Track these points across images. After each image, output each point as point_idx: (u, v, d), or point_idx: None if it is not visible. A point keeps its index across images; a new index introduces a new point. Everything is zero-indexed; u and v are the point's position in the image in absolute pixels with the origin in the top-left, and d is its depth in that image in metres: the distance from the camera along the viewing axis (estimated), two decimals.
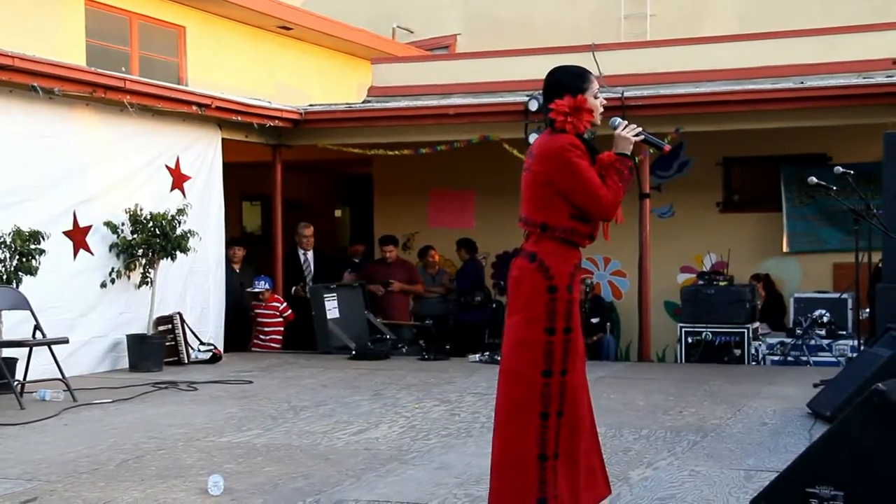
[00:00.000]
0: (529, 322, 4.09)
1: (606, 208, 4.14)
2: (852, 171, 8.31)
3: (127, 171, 9.96)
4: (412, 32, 19.14)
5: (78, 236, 9.35)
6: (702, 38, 13.81)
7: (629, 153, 4.24)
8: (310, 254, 12.23)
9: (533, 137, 10.71)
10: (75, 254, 9.33)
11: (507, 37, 17.02)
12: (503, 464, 4.10)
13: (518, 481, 4.04)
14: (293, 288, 11.83)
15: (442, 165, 13.07)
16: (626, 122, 4.31)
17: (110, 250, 9.63)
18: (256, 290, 11.40)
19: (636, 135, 4.29)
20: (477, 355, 10.58)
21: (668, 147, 4.69)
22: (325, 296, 11.31)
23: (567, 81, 4.25)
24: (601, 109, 4.29)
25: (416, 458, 5.82)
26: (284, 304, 11.61)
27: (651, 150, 4.58)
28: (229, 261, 11.62)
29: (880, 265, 9.01)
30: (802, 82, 10.75)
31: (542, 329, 4.07)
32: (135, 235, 9.63)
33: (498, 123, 11.46)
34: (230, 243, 11.83)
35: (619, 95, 10.81)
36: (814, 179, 8.43)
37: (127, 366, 9.63)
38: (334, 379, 9.13)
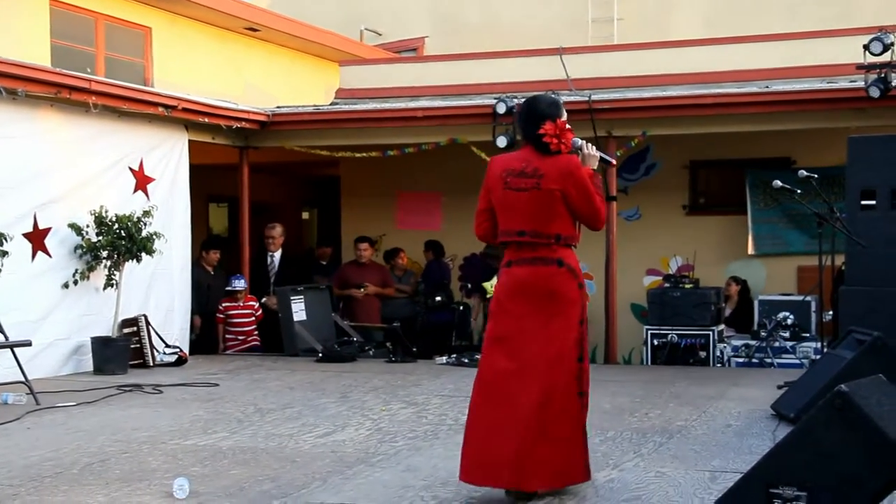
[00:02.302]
0: (567, 318, 4.83)
1: (603, 221, 5.00)
2: (816, 175, 8.39)
3: (91, 172, 9.87)
4: (380, 35, 19.13)
5: (37, 239, 9.25)
6: (668, 41, 13.90)
7: (595, 168, 5.01)
8: (277, 255, 12.18)
9: (501, 141, 10.76)
10: (33, 256, 9.22)
11: (476, 40, 17.05)
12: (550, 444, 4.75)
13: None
14: (263, 298, 11.73)
15: (409, 168, 13.07)
16: (585, 142, 5.01)
17: (74, 251, 9.54)
18: (237, 288, 11.34)
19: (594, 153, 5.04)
20: (444, 357, 10.58)
21: (614, 162, 5.53)
22: (292, 298, 11.27)
23: (545, 110, 4.94)
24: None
25: (383, 460, 5.81)
26: (257, 303, 11.57)
27: (603, 166, 5.35)
28: (203, 263, 11.58)
29: (843, 268, 9.10)
30: (767, 87, 10.84)
31: (577, 321, 4.86)
32: (100, 237, 9.55)
33: (466, 126, 11.47)
34: (206, 246, 11.80)
35: (587, 99, 10.85)
36: (778, 183, 8.50)
37: (91, 368, 9.54)
38: (301, 381, 9.10)
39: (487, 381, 4.90)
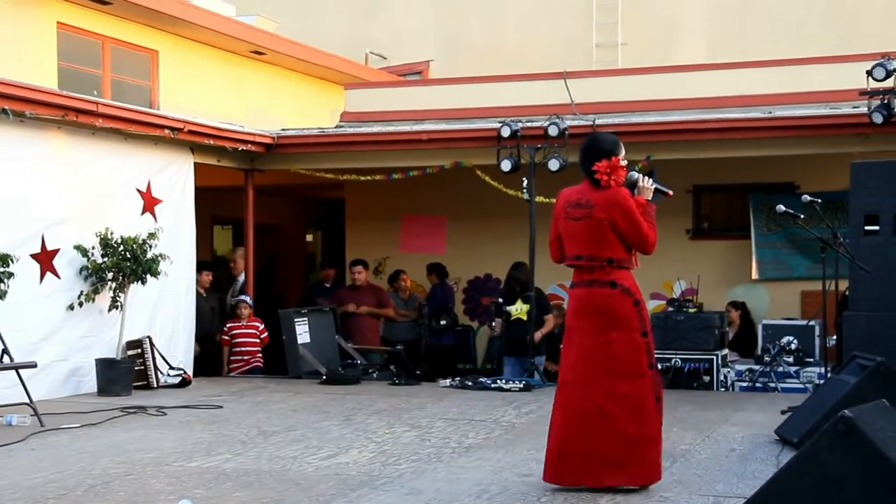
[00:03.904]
0: (628, 332, 5.40)
1: (651, 245, 5.54)
2: (819, 200, 8.41)
3: (98, 194, 9.91)
4: (385, 58, 19.23)
5: (45, 259, 9.28)
6: (672, 66, 13.97)
7: (650, 198, 5.60)
8: (240, 278, 12.13)
9: (505, 164, 10.81)
10: (42, 277, 9.24)
11: (480, 63, 17.14)
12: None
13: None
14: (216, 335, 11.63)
15: (414, 191, 13.10)
16: (642, 175, 5.66)
17: (79, 273, 9.56)
18: (242, 298, 11.36)
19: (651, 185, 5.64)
20: (448, 380, 10.57)
21: (670, 193, 5.92)
22: (296, 320, 11.28)
23: (602, 147, 5.54)
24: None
25: (387, 483, 5.81)
26: (262, 325, 11.57)
27: (661, 197, 5.73)
28: (196, 286, 11.59)
29: (847, 293, 9.11)
30: (771, 112, 10.88)
31: (640, 334, 5.43)
32: (105, 259, 9.58)
33: (470, 149, 11.52)
34: (198, 268, 11.76)
35: (591, 123, 10.90)
36: (782, 208, 8.52)
37: (94, 390, 9.54)
38: (304, 404, 9.10)
39: (561, 390, 5.54)
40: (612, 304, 5.44)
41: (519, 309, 10.80)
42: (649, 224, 5.51)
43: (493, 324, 11.29)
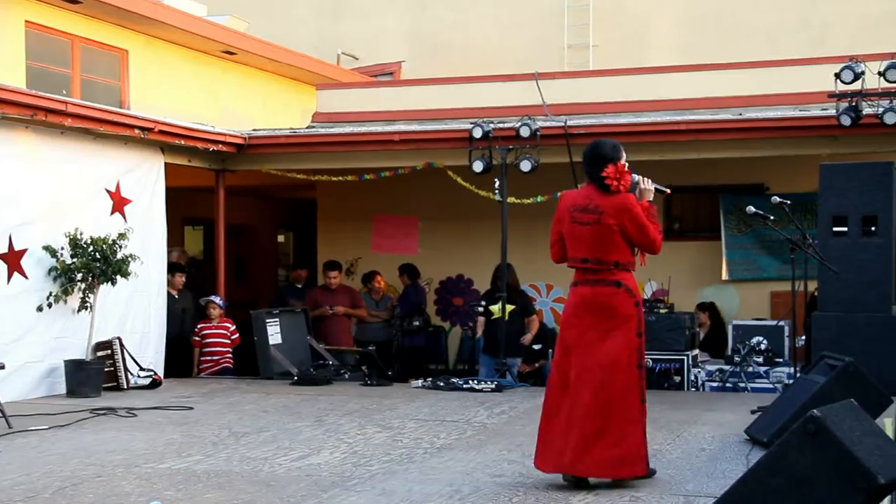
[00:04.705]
0: (626, 331, 5.61)
1: (659, 246, 5.75)
2: (789, 201, 8.47)
3: (67, 194, 9.83)
4: (357, 59, 19.20)
5: (12, 260, 9.19)
6: (644, 68, 14.03)
7: (651, 199, 5.80)
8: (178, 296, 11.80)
9: (477, 165, 10.81)
10: (9, 277, 9.16)
11: (452, 64, 17.15)
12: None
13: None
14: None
15: (386, 191, 13.09)
16: (641, 176, 5.80)
17: (48, 274, 9.48)
18: (217, 301, 11.32)
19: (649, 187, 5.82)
20: (419, 381, 10.57)
21: (668, 191, 6.10)
22: (268, 321, 11.24)
23: (607, 153, 5.72)
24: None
25: (358, 484, 5.80)
26: (234, 326, 11.51)
27: (659, 196, 6.05)
28: (168, 288, 11.51)
29: (816, 294, 9.19)
30: (741, 114, 10.95)
31: (635, 334, 5.63)
32: (74, 259, 9.51)
33: (442, 150, 11.52)
34: (171, 270, 11.68)
35: (563, 124, 10.93)
36: (752, 209, 8.57)
37: (64, 391, 9.47)
38: (276, 405, 9.07)
39: (554, 382, 5.74)
40: (615, 303, 5.65)
41: (500, 309, 10.86)
42: (655, 226, 5.73)
43: (472, 324, 11.31)
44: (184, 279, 11.76)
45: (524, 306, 11.04)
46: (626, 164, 5.72)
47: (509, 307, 10.76)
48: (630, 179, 5.71)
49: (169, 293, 11.30)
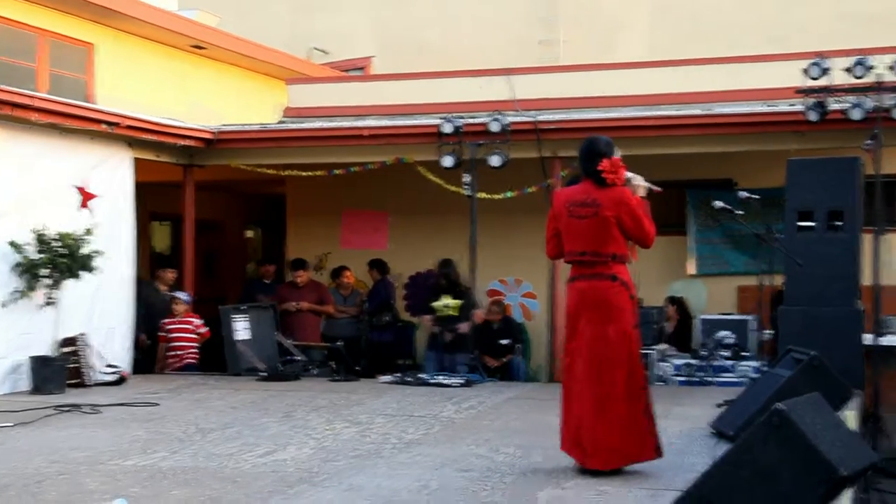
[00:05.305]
0: (623, 324, 5.78)
1: (652, 239, 5.90)
2: (756, 196, 8.52)
3: (34, 189, 9.74)
4: (327, 53, 19.15)
5: None
6: (613, 63, 14.05)
7: (644, 196, 5.94)
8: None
9: (447, 160, 10.80)
10: None
11: (422, 60, 17.14)
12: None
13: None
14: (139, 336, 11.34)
15: (356, 186, 13.05)
16: (634, 174, 5.95)
17: (13, 270, 9.38)
18: (179, 296, 11.27)
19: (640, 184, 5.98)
20: (388, 376, 10.55)
21: (660, 189, 6.19)
22: (235, 317, 11.19)
23: (602, 149, 5.90)
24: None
25: (326, 479, 5.78)
26: (200, 321, 11.44)
27: (651, 193, 6.15)
28: (157, 282, 11.50)
29: (782, 288, 9.25)
30: (709, 109, 11.00)
31: (633, 325, 5.83)
32: (40, 255, 9.42)
33: (412, 145, 11.50)
34: (162, 265, 11.76)
35: (532, 119, 10.94)
36: (719, 203, 8.62)
37: (28, 388, 9.38)
38: (243, 401, 9.02)
39: (566, 366, 5.97)
40: (611, 297, 5.81)
41: (447, 305, 10.90)
42: (649, 220, 5.87)
43: (420, 322, 11.35)
44: (174, 275, 11.77)
45: (469, 301, 11.08)
46: (620, 160, 5.87)
47: (455, 302, 10.80)
48: (624, 173, 5.86)
49: (156, 287, 11.32)
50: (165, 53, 14.99)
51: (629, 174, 5.95)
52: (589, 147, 5.98)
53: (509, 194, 11.39)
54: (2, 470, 6.02)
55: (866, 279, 9.27)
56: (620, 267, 5.87)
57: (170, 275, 11.69)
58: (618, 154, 5.91)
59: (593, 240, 5.83)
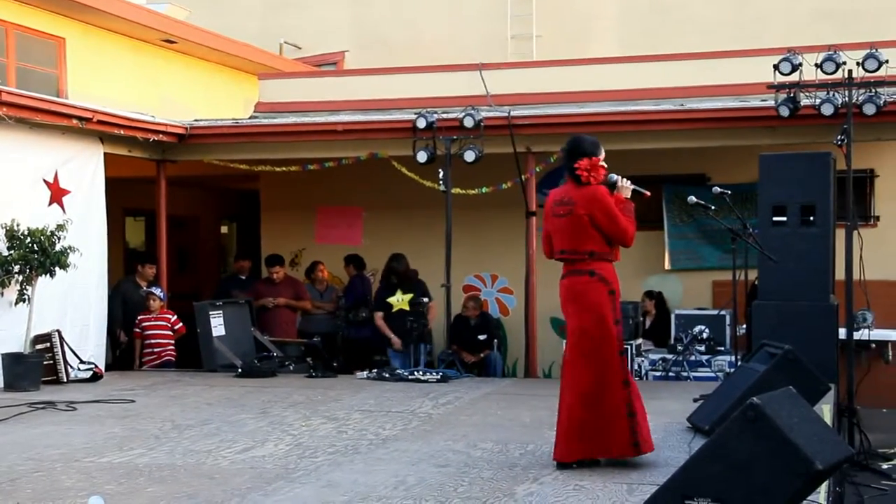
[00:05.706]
0: (602, 319, 5.80)
1: (630, 238, 5.91)
2: (730, 192, 8.56)
3: (3, 185, 9.65)
4: (300, 48, 19.07)
5: None
6: (586, 59, 14.09)
7: (628, 197, 6.04)
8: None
9: (421, 155, 10.80)
10: None
11: (396, 55, 17.10)
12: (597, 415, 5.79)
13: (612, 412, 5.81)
14: (118, 331, 11.36)
15: (330, 182, 13.02)
16: (620, 176, 6.06)
17: None
18: (157, 292, 11.21)
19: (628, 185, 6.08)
20: (364, 372, 10.54)
21: (648, 193, 6.33)
22: (211, 313, 11.13)
23: (585, 148, 5.97)
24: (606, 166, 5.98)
25: (303, 476, 5.77)
26: (175, 317, 11.38)
27: (638, 196, 6.26)
28: (137, 278, 11.45)
29: (756, 283, 9.31)
30: (682, 104, 11.04)
31: (613, 322, 5.84)
32: (11, 251, 9.34)
33: (386, 140, 11.48)
34: (143, 260, 11.69)
35: (506, 114, 10.94)
36: (693, 199, 8.65)
37: (1, 385, 9.30)
38: (220, 397, 8.99)
39: (564, 369, 5.99)
40: (587, 291, 5.86)
41: (400, 300, 10.95)
42: (628, 219, 5.90)
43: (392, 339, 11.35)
44: (154, 271, 11.70)
45: (423, 293, 11.15)
46: (601, 160, 5.93)
47: (406, 297, 10.89)
48: (603, 173, 5.91)
49: (135, 282, 11.39)
50: (136, 48, 14.90)
51: (615, 177, 6.03)
52: (573, 146, 6.04)
53: (484, 190, 11.40)
54: None
55: (839, 273, 9.34)
56: (601, 263, 5.90)
57: (150, 270, 11.61)
58: (602, 155, 5.96)
59: (570, 238, 5.90)
